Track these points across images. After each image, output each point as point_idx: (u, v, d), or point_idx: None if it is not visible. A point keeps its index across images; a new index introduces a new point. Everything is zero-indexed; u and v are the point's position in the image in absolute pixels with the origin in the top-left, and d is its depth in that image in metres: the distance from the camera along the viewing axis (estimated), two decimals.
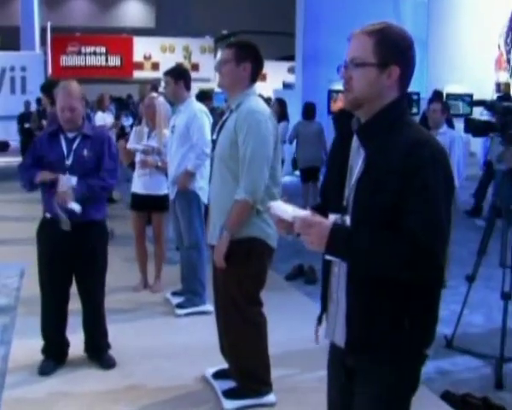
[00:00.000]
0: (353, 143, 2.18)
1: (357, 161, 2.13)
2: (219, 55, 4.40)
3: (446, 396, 4.05)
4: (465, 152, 6.48)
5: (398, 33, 2.09)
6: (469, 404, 3.93)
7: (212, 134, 4.26)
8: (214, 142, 3.85)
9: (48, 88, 8.27)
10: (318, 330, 2.30)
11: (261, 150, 3.57)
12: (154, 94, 6.25)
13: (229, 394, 3.88)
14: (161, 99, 6.02)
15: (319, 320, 2.30)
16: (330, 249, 2.00)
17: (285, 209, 2.10)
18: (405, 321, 2.04)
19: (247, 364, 3.84)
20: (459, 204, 6.45)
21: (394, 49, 2.07)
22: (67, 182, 4.03)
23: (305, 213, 2.05)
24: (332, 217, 2.10)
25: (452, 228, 5.98)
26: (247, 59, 3.71)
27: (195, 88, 6.56)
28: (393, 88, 2.09)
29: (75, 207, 4.04)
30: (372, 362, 2.12)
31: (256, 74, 3.77)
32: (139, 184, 5.93)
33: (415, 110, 14.35)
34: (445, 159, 2.04)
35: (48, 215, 4.23)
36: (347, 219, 2.08)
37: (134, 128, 6.35)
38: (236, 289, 3.71)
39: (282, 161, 6.33)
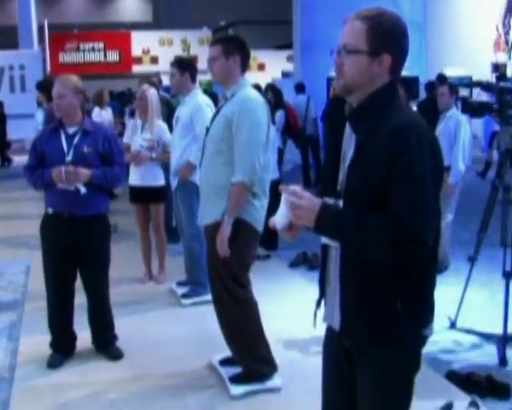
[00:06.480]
0: (346, 129, 2.21)
1: (349, 146, 2.15)
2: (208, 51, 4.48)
3: (451, 376, 4.10)
4: (471, 135, 6.49)
5: (391, 21, 2.09)
6: (474, 382, 3.98)
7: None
8: (208, 129, 3.93)
9: (43, 85, 8.31)
10: (317, 314, 2.33)
11: (256, 135, 3.69)
12: (146, 86, 6.29)
13: (236, 379, 3.94)
14: (153, 90, 6.08)
15: (318, 304, 2.33)
16: (319, 225, 2.02)
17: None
18: (397, 303, 2.05)
19: (244, 343, 3.92)
20: (464, 186, 6.46)
21: (387, 38, 2.07)
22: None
23: (296, 187, 2.07)
24: (326, 201, 2.12)
25: (453, 211, 6.01)
26: (234, 52, 3.84)
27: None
28: (384, 74, 2.10)
29: (81, 188, 4.11)
30: (368, 345, 2.13)
31: (245, 64, 3.90)
32: (134, 175, 5.99)
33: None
34: (432, 141, 2.06)
35: (50, 210, 4.26)
36: (341, 204, 2.10)
37: (129, 123, 6.42)
38: (223, 269, 3.80)
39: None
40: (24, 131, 14.53)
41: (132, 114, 7.14)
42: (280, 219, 2.10)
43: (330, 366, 2.35)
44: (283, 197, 2.08)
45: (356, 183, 2.06)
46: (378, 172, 1.99)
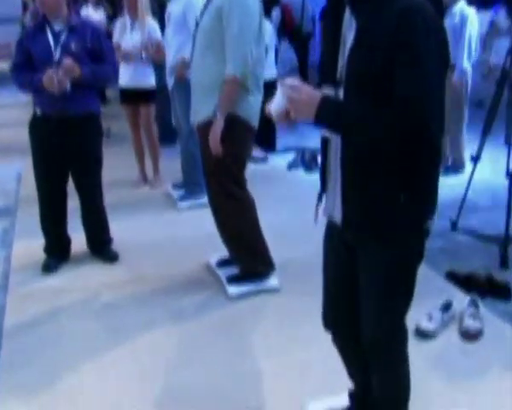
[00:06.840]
0: (345, 15, 2.08)
1: (349, 31, 2.03)
2: None
3: (451, 276, 4.07)
4: (479, 32, 6.23)
5: None
6: (474, 282, 3.95)
7: None
8: (197, 23, 3.74)
9: None
10: (318, 209, 2.26)
11: (247, 25, 3.51)
12: None
13: (233, 279, 3.92)
14: None
15: (319, 198, 2.26)
16: (319, 118, 1.92)
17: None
18: (401, 195, 1.97)
19: (241, 242, 3.87)
20: (469, 88, 6.28)
21: None
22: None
23: (294, 80, 1.97)
24: (325, 91, 2.02)
25: (464, 113, 5.77)
26: None
27: None
28: None
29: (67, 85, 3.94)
30: (371, 238, 2.07)
31: None
32: (124, 76, 5.81)
33: None
34: (439, 28, 1.92)
35: (38, 111, 4.10)
36: (341, 93, 2.01)
37: (116, 23, 6.14)
38: (218, 167, 3.68)
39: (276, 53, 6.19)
40: (10, 35, 14.08)
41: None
42: (276, 106, 2.00)
43: (331, 258, 2.31)
44: (280, 88, 1.97)
45: (357, 69, 1.95)
46: (380, 57, 1.86)
